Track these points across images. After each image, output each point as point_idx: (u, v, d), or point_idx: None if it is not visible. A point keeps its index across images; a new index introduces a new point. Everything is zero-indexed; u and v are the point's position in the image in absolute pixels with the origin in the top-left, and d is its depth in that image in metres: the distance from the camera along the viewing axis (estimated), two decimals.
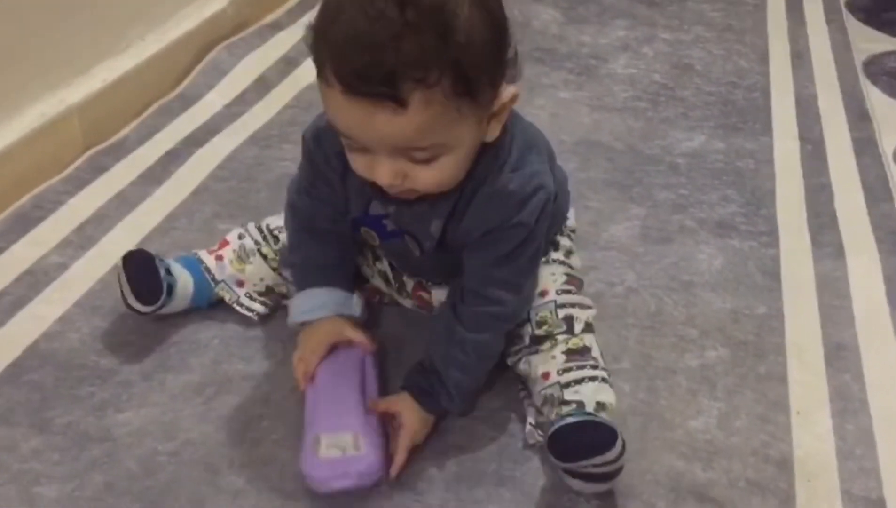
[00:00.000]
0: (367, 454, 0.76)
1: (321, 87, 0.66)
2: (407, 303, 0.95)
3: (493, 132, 0.73)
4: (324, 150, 0.79)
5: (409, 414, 0.81)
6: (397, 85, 0.62)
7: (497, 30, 0.67)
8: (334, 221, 0.85)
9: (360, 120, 0.65)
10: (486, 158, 0.75)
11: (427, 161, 0.69)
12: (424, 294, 0.92)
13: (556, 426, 0.76)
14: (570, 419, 0.76)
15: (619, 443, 0.74)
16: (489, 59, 0.67)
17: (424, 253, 0.82)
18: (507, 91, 0.71)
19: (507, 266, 0.79)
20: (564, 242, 0.93)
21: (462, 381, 0.82)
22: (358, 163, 0.72)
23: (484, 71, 0.66)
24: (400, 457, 0.79)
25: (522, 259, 0.79)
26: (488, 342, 0.82)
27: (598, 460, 0.74)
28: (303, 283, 0.87)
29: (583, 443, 0.75)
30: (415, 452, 0.81)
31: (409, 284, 0.92)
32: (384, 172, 0.69)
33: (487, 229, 0.77)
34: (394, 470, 0.78)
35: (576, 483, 0.77)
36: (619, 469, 0.76)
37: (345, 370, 0.83)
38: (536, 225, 0.77)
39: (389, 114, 0.63)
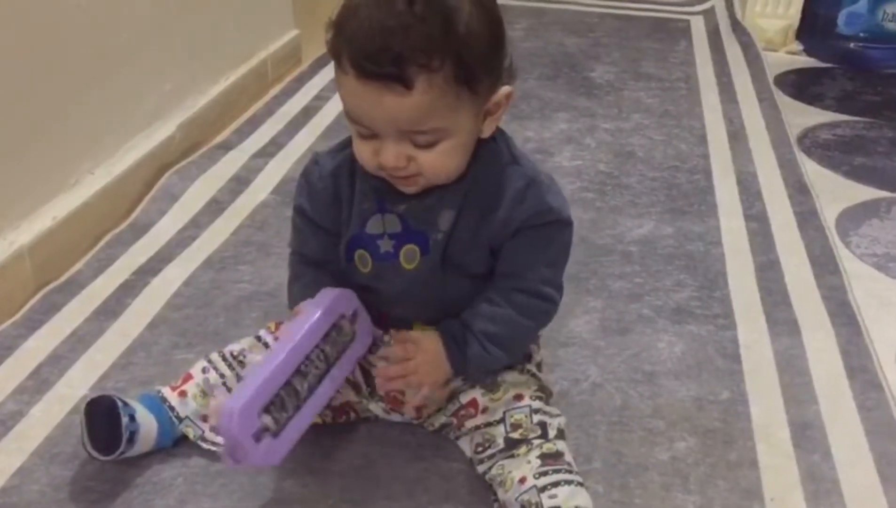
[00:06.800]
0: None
1: (337, 76, 0.76)
2: (378, 409, 0.95)
3: (489, 129, 0.81)
4: (320, 169, 0.87)
5: (429, 343, 0.86)
6: (404, 67, 0.71)
7: (494, 27, 0.76)
8: (329, 252, 0.89)
9: (370, 102, 0.73)
10: (487, 152, 0.83)
11: (429, 145, 0.76)
12: (398, 395, 0.92)
13: None
14: None
15: None
16: (487, 52, 0.76)
17: (428, 255, 0.84)
18: (503, 90, 0.79)
19: (551, 266, 0.86)
20: (536, 354, 0.95)
21: (494, 350, 0.86)
22: (365, 151, 0.78)
23: (482, 62, 0.75)
24: (394, 370, 0.86)
25: (562, 257, 0.88)
26: (531, 327, 0.89)
27: None
28: (304, 298, 0.89)
29: None
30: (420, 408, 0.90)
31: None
32: (389, 155, 0.76)
33: (527, 217, 0.82)
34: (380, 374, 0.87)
35: None
36: None
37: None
38: (570, 222, 0.86)
39: (396, 95, 0.72)
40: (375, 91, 0.72)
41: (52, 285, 1.21)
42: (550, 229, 0.85)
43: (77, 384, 1.03)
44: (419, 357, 0.86)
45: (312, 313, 0.83)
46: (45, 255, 1.20)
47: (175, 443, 0.93)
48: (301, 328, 0.82)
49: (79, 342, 1.10)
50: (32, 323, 1.14)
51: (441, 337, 0.86)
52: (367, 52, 0.71)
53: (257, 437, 0.77)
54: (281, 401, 0.80)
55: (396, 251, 0.85)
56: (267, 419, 0.78)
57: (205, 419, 0.92)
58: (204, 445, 0.92)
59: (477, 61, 0.74)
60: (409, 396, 0.90)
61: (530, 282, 0.85)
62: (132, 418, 0.88)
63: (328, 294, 0.86)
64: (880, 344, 1.14)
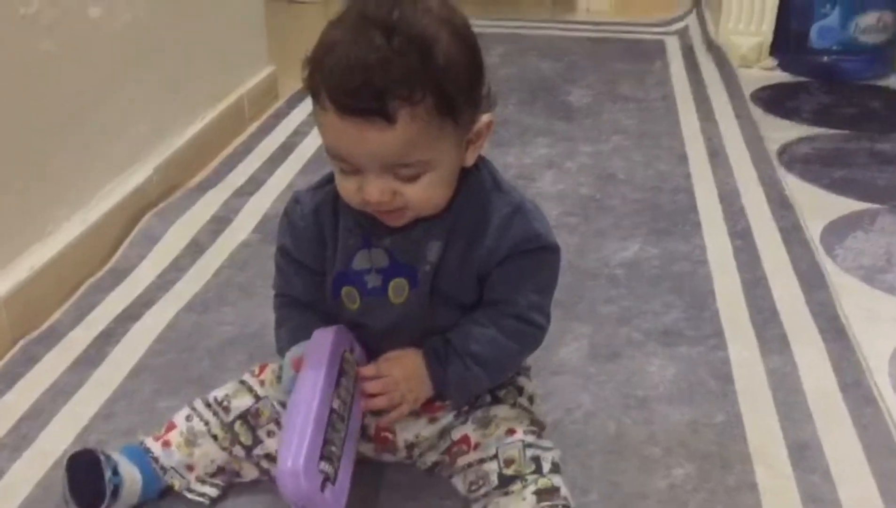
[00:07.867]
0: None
1: (317, 113, 0.75)
2: (368, 450, 0.92)
3: (471, 158, 0.80)
4: (301, 207, 0.86)
5: (409, 360, 0.85)
6: (386, 102, 0.70)
7: (473, 57, 0.76)
8: (314, 292, 0.88)
9: (352, 138, 0.72)
10: (471, 181, 0.82)
11: (413, 178, 0.75)
12: (389, 434, 0.90)
13: None
14: None
15: None
16: (467, 82, 0.75)
17: (417, 288, 0.83)
18: (484, 118, 0.79)
19: (539, 292, 0.85)
20: (528, 386, 0.93)
21: (476, 370, 0.84)
22: (349, 187, 0.77)
23: (462, 92, 0.74)
24: (375, 385, 0.85)
25: (550, 283, 0.87)
26: (515, 351, 0.87)
27: None
28: (293, 342, 0.87)
29: None
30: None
31: (372, 426, 0.90)
32: (373, 190, 0.75)
33: (514, 244, 0.82)
34: (369, 389, 0.85)
35: None
36: None
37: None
38: (557, 248, 0.85)
39: (379, 130, 0.71)
40: (357, 127, 0.72)
41: (30, 337, 1.19)
42: (538, 255, 0.84)
43: (58, 439, 1.00)
44: (399, 373, 0.85)
45: (323, 355, 0.82)
46: (22, 306, 1.18)
47: (161, 495, 0.90)
48: (320, 371, 0.80)
49: (59, 394, 1.08)
50: (11, 376, 1.11)
51: (423, 355, 0.85)
52: (347, 89, 0.70)
53: (322, 488, 0.75)
54: (330, 446, 0.78)
55: (384, 286, 0.84)
56: (326, 468, 0.76)
57: (190, 468, 0.89)
58: (190, 495, 0.89)
59: (457, 91, 0.74)
60: (371, 419, 0.89)
61: (519, 307, 0.84)
62: (115, 471, 0.86)
63: (328, 333, 0.84)
64: (871, 357, 1.13)
